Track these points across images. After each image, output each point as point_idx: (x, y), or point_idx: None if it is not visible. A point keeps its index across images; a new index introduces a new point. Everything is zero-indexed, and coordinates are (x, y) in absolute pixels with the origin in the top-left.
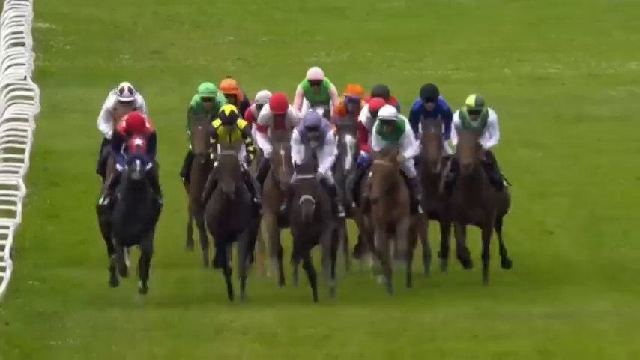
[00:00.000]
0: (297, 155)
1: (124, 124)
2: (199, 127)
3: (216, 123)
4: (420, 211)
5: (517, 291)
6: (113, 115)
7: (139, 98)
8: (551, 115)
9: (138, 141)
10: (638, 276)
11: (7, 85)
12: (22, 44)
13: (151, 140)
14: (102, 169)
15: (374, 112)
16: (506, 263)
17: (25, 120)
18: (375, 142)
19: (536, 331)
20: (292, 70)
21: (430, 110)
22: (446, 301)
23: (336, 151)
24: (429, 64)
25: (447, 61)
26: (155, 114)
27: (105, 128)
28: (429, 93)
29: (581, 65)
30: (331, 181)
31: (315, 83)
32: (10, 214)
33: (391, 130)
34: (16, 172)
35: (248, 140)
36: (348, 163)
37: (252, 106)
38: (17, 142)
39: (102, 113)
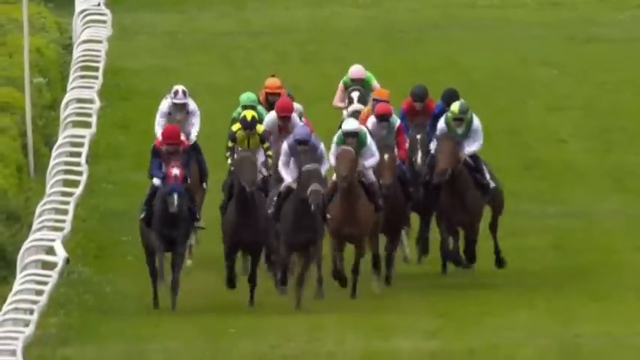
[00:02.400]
0: (284, 167)
1: (160, 137)
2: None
3: (236, 127)
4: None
5: (534, 192)
6: (169, 120)
7: (192, 103)
8: (565, 36)
9: (175, 171)
10: None
11: (83, 10)
12: None
13: (189, 153)
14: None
15: (380, 117)
16: (500, 262)
17: (99, 41)
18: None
19: (551, 229)
20: None
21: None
22: None
23: (326, 165)
24: None
25: None
26: (214, 36)
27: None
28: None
29: None
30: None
31: (358, 81)
32: (86, 124)
33: (354, 143)
34: (92, 88)
35: (266, 145)
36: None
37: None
38: (92, 61)
39: (157, 118)
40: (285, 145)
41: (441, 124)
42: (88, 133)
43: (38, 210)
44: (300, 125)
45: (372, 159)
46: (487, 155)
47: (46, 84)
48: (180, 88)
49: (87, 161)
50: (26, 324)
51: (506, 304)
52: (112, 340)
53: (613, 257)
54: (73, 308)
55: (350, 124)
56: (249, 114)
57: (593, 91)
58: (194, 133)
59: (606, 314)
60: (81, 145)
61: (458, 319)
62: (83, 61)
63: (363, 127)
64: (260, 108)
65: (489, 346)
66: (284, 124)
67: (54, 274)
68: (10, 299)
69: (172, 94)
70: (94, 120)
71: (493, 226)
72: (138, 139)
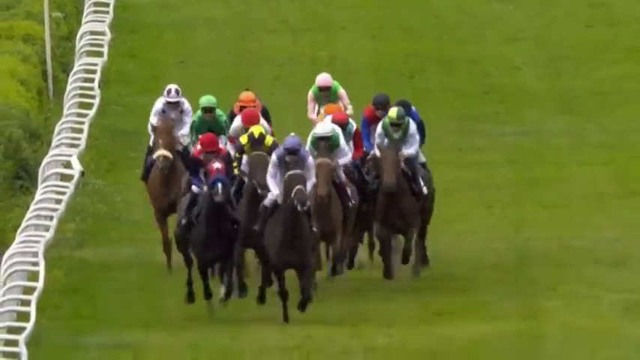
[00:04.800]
0: (272, 179)
1: (198, 146)
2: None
3: (244, 140)
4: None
5: (492, 114)
6: (162, 118)
7: (185, 102)
8: None
9: (217, 164)
10: (586, 102)
11: None
12: None
13: (227, 161)
14: (146, 177)
15: (337, 125)
16: (424, 261)
17: None
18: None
19: (506, 146)
20: None
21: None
22: (435, 123)
23: (313, 179)
24: None
25: None
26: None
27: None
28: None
29: None
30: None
31: (325, 89)
32: (99, 54)
33: (327, 147)
34: (103, 21)
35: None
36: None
37: None
38: None
39: (151, 117)
40: (274, 157)
41: (379, 129)
42: (100, 62)
43: (57, 129)
44: (290, 135)
45: (345, 157)
46: (451, 82)
47: (63, 18)
48: (173, 87)
49: (99, 86)
50: (46, 229)
51: (466, 212)
52: (123, 243)
53: (561, 170)
54: (87, 215)
55: (322, 129)
56: (256, 130)
57: (544, 24)
58: (186, 130)
59: (554, 220)
60: (94, 72)
61: None
62: None
63: (336, 129)
64: (219, 110)
65: (451, 251)
66: None
67: (71, 186)
68: (32, 207)
69: (166, 93)
70: (105, 50)
71: (421, 232)
72: (144, 67)
